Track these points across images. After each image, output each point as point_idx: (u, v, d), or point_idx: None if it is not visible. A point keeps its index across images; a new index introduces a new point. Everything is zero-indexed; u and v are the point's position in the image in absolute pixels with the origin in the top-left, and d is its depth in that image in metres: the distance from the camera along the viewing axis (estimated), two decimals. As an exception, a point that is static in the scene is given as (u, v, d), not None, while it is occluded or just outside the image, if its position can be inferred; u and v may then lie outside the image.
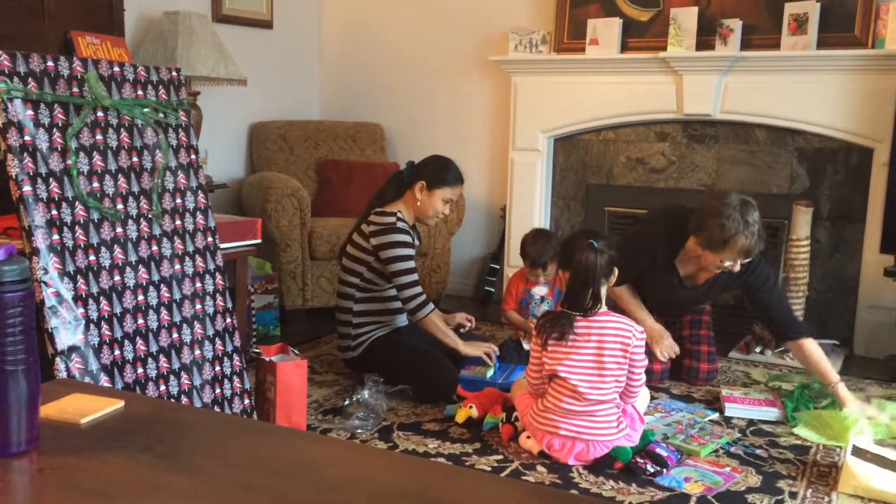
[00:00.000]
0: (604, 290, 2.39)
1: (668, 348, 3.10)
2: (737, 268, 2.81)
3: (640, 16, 3.96)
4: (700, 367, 3.13)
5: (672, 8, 3.81)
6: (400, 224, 2.91)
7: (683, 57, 3.76)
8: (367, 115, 4.77)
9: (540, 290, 3.30)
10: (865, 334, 3.59)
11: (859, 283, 3.60)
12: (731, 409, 2.78)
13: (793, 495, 2.20)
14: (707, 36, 3.74)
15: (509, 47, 4.21)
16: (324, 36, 4.92)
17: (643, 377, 2.42)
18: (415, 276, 2.89)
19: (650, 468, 2.28)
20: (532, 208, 4.27)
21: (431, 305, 2.90)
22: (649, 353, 3.15)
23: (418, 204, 2.97)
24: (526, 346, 3.14)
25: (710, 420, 2.71)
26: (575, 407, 2.34)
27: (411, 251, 2.91)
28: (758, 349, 3.53)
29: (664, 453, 2.34)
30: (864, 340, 3.60)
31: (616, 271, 2.44)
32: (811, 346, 2.88)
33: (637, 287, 3.16)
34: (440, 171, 2.98)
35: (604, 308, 2.40)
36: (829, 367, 2.84)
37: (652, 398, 2.84)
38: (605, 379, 2.33)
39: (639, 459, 2.31)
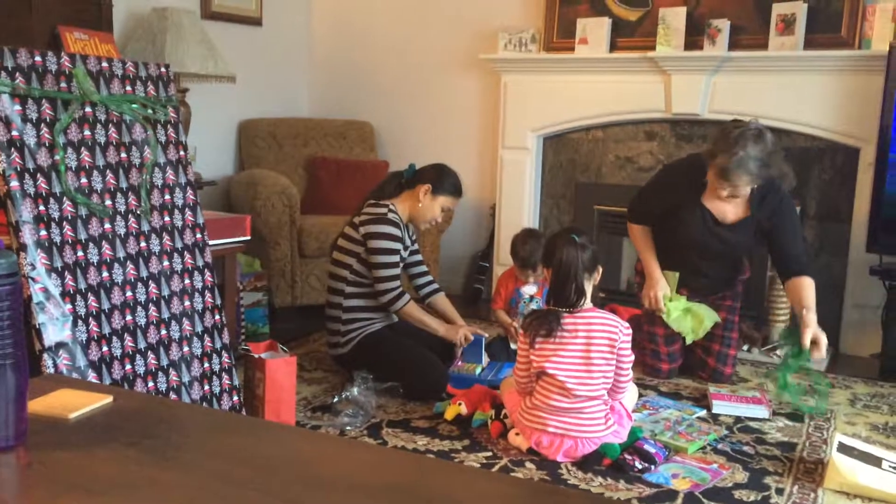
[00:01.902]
0: (588, 286, 2.40)
1: (653, 300, 3.08)
2: (724, 194, 2.83)
3: (628, 15, 3.97)
4: (724, 372, 3.14)
5: (661, 8, 3.83)
6: (392, 216, 2.93)
7: (672, 57, 3.78)
8: (357, 112, 4.77)
9: (529, 290, 3.30)
10: (851, 333, 3.62)
11: (845, 282, 3.63)
12: (719, 406, 2.80)
13: (779, 492, 2.21)
14: (695, 36, 3.75)
15: (499, 46, 4.21)
16: (313, 33, 4.91)
17: (630, 373, 2.43)
18: (394, 271, 2.91)
19: (638, 465, 2.30)
20: (521, 207, 4.28)
21: (407, 296, 2.93)
22: (657, 355, 3.17)
23: (419, 206, 2.99)
24: (514, 346, 3.14)
25: (698, 417, 2.73)
26: (563, 404, 2.35)
27: (397, 245, 2.92)
28: (745, 347, 3.56)
29: (652, 450, 2.35)
30: (850, 339, 3.62)
31: (600, 269, 2.46)
32: (807, 281, 2.85)
33: (673, 235, 3.07)
34: (446, 180, 3.03)
35: (589, 304, 2.41)
36: (809, 297, 2.82)
37: (640, 395, 2.85)
38: (592, 375, 2.34)
39: (627, 456, 2.32)
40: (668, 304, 3.08)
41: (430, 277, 3.21)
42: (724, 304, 3.19)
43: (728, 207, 2.98)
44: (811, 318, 2.76)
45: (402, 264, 3.03)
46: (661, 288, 3.09)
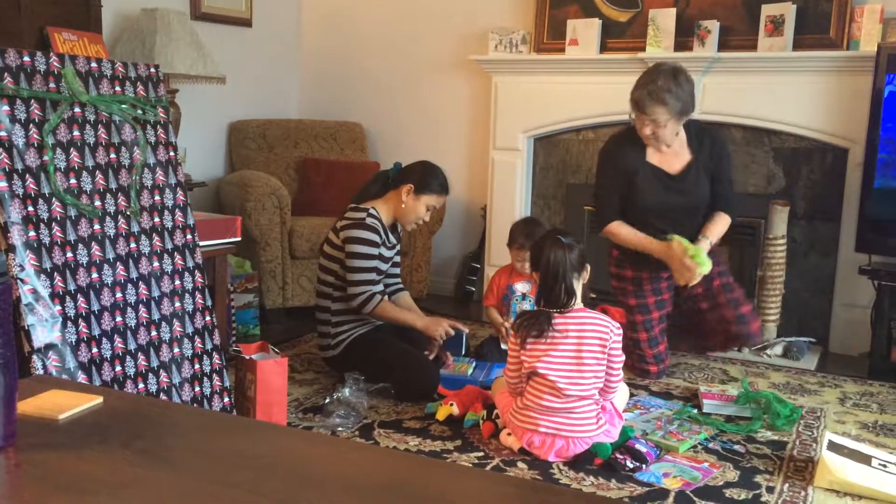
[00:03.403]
0: (577, 286, 2.41)
1: (690, 267, 2.93)
2: (647, 130, 2.94)
3: (618, 16, 3.99)
4: (750, 330, 3.10)
5: (651, 9, 3.84)
6: (369, 220, 2.91)
7: (662, 58, 3.78)
8: (347, 114, 4.77)
9: (522, 287, 3.30)
10: (840, 332, 3.64)
11: (835, 282, 3.65)
12: (710, 406, 2.81)
13: (770, 490, 2.22)
14: (685, 37, 3.77)
15: (489, 47, 4.22)
16: (303, 35, 4.91)
17: (621, 373, 2.43)
18: (366, 276, 2.89)
19: (629, 464, 2.30)
20: (512, 207, 4.28)
21: (378, 297, 2.90)
22: (643, 359, 3.18)
23: (402, 206, 2.98)
24: (504, 346, 3.15)
25: (689, 416, 2.74)
26: (555, 404, 2.35)
27: (374, 250, 2.91)
28: (735, 347, 3.56)
29: (643, 449, 2.36)
30: (839, 338, 3.64)
31: (588, 268, 2.46)
32: (722, 216, 3.11)
33: (634, 207, 3.08)
34: (429, 178, 3.00)
35: (580, 304, 2.41)
36: (715, 229, 3.07)
37: (631, 395, 2.86)
38: (584, 374, 2.34)
39: (618, 455, 2.33)
40: (694, 255, 2.96)
41: (398, 279, 3.20)
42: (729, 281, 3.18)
43: (671, 158, 3.08)
44: (705, 243, 3.02)
45: (386, 265, 3.02)
46: (681, 252, 2.96)
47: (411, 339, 3.01)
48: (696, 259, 2.92)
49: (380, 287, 3.03)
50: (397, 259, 3.16)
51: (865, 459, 2.30)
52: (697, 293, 3.14)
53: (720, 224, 3.11)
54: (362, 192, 3.05)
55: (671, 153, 3.08)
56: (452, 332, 2.99)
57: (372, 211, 2.94)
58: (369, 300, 2.88)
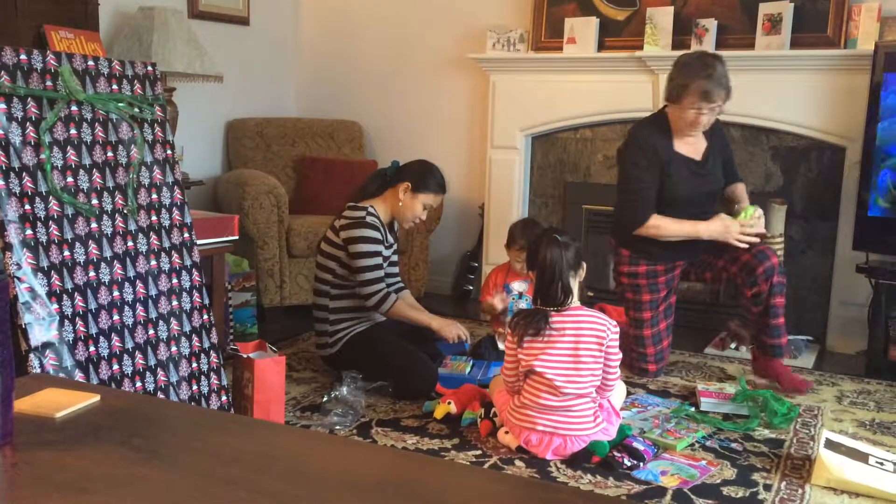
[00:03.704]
0: (574, 284, 2.41)
1: (746, 229, 2.99)
2: (703, 119, 2.91)
3: (616, 15, 3.99)
4: (772, 262, 3.00)
5: (648, 7, 3.85)
6: (369, 219, 2.91)
7: (659, 56, 3.79)
8: (345, 112, 4.76)
9: (519, 286, 3.31)
10: (838, 330, 3.64)
11: (832, 280, 3.65)
12: (707, 404, 2.81)
13: (767, 488, 2.23)
14: (683, 35, 3.77)
15: (487, 45, 4.22)
16: (301, 33, 4.90)
17: (618, 371, 2.44)
18: (377, 273, 2.89)
19: (627, 462, 2.30)
20: (510, 206, 4.28)
21: (394, 297, 2.91)
22: (643, 358, 3.16)
23: (400, 204, 2.98)
24: (501, 347, 3.14)
25: (686, 414, 2.74)
26: (552, 402, 2.35)
27: (378, 247, 2.91)
28: (733, 345, 3.57)
29: (641, 447, 2.36)
30: (836, 336, 3.65)
31: (584, 265, 2.46)
32: (741, 184, 3.25)
33: (667, 200, 3.03)
34: (427, 177, 3.00)
35: (577, 302, 2.42)
36: (744, 195, 3.20)
37: (629, 393, 2.86)
38: (581, 373, 2.34)
39: (616, 453, 2.33)
40: (745, 215, 3.04)
41: (398, 277, 3.20)
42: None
43: (694, 145, 3.07)
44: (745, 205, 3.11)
45: (385, 264, 3.03)
46: (734, 223, 3.01)
47: (409, 338, 3.01)
48: (747, 216, 3.03)
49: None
50: (394, 258, 3.16)
51: (862, 457, 2.30)
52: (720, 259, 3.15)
53: (743, 190, 3.23)
54: (360, 190, 3.05)
55: (693, 140, 3.07)
56: (465, 337, 3.00)
57: (371, 209, 2.94)
58: (385, 299, 2.88)
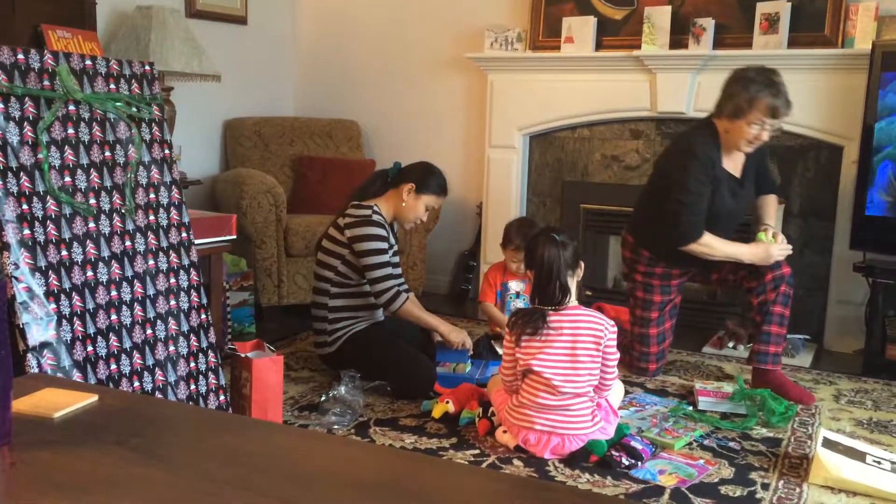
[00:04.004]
0: (572, 283, 2.41)
1: (783, 250, 2.95)
2: (765, 136, 2.82)
3: (614, 14, 3.99)
4: (783, 271, 2.95)
5: (646, 7, 3.85)
6: (376, 217, 2.91)
7: (657, 55, 3.79)
8: (343, 111, 4.76)
9: (516, 286, 3.31)
10: (835, 329, 3.65)
11: (829, 279, 3.65)
12: (705, 403, 2.81)
13: (765, 487, 2.23)
14: (680, 34, 3.77)
15: (485, 45, 4.22)
16: (299, 32, 4.90)
17: (616, 370, 2.44)
18: (388, 270, 2.89)
19: (625, 461, 2.30)
20: (508, 205, 4.28)
21: (405, 296, 2.91)
22: (645, 356, 3.17)
23: (403, 205, 2.98)
24: (500, 350, 3.14)
25: (684, 414, 2.74)
26: (550, 402, 2.35)
27: (385, 245, 2.92)
28: (730, 344, 3.58)
29: (639, 446, 2.36)
30: (833, 335, 3.65)
31: (582, 265, 2.46)
32: (772, 198, 3.17)
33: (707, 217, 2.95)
34: (430, 178, 3.00)
35: (575, 302, 2.42)
36: (771, 212, 3.14)
37: (627, 392, 2.86)
38: (578, 372, 2.34)
39: (614, 452, 2.33)
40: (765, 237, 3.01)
41: (401, 279, 3.19)
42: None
43: (734, 161, 2.98)
44: (770, 223, 3.08)
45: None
46: (767, 247, 2.93)
47: (407, 337, 3.01)
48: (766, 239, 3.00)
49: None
50: (395, 259, 3.16)
51: (860, 456, 2.31)
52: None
53: (773, 206, 3.17)
54: (362, 190, 3.05)
55: (737, 156, 2.99)
56: (468, 346, 2.99)
57: (376, 208, 2.94)
58: (396, 297, 2.88)
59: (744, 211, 3.14)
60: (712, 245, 2.94)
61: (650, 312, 3.17)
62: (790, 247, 2.98)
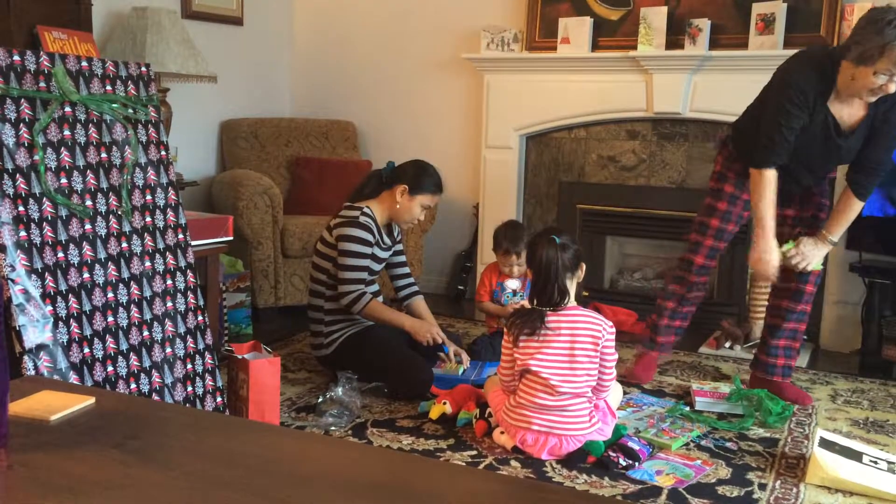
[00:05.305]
0: (571, 285, 2.42)
1: (765, 267, 2.70)
2: (892, 87, 2.47)
3: (610, 15, 3.99)
4: (808, 289, 2.86)
5: (642, 7, 3.85)
6: (363, 219, 2.91)
7: (653, 56, 3.80)
8: (340, 112, 4.76)
9: (512, 284, 3.32)
10: (831, 329, 3.66)
11: (826, 279, 3.66)
12: (702, 403, 2.82)
13: (762, 487, 2.23)
14: (676, 35, 3.78)
15: (481, 45, 4.22)
16: (295, 33, 4.90)
17: (614, 371, 2.44)
18: (357, 274, 2.88)
19: (622, 462, 2.31)
20: (505, 206, 4.28)
21: (368, 297, 2.89)
22: (686, 264, 2.98)
23: (397, 206, 2.97)
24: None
25: (681, 414, 2.74)
26: (548, 402, 2.36)
27: (365, 248, 2.90)
28: (727, 345, 3.58)
29: (636, 447, 2.36)
30: (830, 335, 3.66)
31: (583, 266, 2.47)
32: (856, 204, 2.74)
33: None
34: (423, 178, 2.99)
35: (573, 302, 2.42)
36: (840, 224, 2.75)
37: (624, 393, 2.86)
38: (576, 372, 2.35)
39: (611, 453, 2.33)
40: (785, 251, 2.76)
41: (410, 280, 3.19)
42: (815, 200, 2.91)
43: (851, 110, 2.65)
44: (828, 239, 2.73)
45: (379, 266, 3.02)
46: (775, 256, 2.70)
47: (405, 338, 3.01)
48: (786, 253, 2.75)
49: (374, 287, 3.03)
50: (398, 260, 3.16)
51: (856, 456, 2.31)
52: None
53: (852, 209, 2.73)
54: (357, 191, 3.04)
55: (855, 104, 2.64)
56: (440, 340, 2.96)
57: (366, 210, 2.94)
58: (358, 299, 2.88)
59: (832, 164, 2.82)
60: (765, 184, 2.67)
61: (717, 202, 2.91)
62: (794, 259, 2.75)
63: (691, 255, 2.99)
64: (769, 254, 2.69)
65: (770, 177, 2.67)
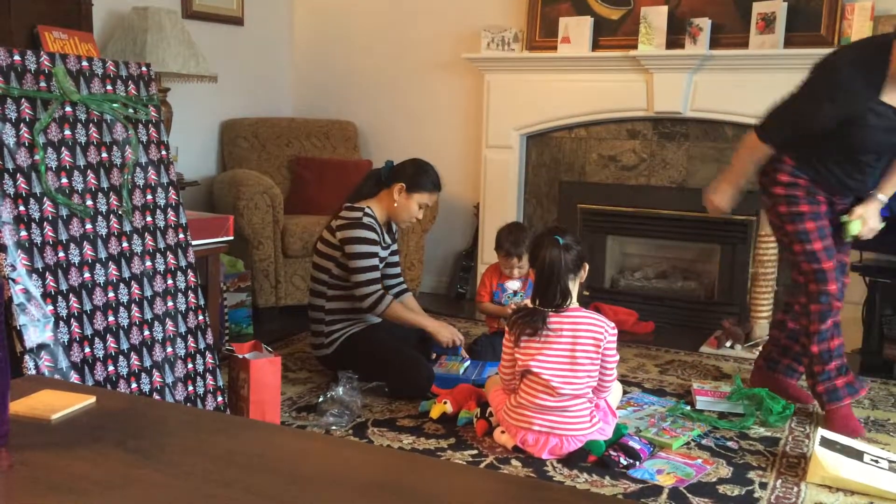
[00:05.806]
0: (573, 286, 2.41)
1: (712, 203, 2.79)
2: None
3: (610, 14, 3.99)
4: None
5: (642, 7, 3.85)
6: (366, 220, 2.91)
7: (654, 55, 3.80)
8: (340, 112, 4.76)
9: (513, 285, 3.31)
10: (832, 328, 3.65)
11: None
12: (703, 402, 2.82)
13: (763, 486, 2.23)
14: (677, 34, 3.78)
15: (482, 45, 4.22)
16: (295, 33, 4.90)
17: (615, 372, 2.44)
18: (374, 274, 2.89)
19: (623, 461, 2.31)
20: (505, 205, 4.28)
21: (389, 298, 2.91)
22: (819, 275, 2.69)
23: (395, 205, 2.97)
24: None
25: (682, 413, 2.74)
26: (548, 402, 2.35)
27: (374, 248, 2.91)
28: (728, 344, 3.58)
29: (637, 446, 2.36)
30: (831, 334, 3.65)
31: (586, 267, 2.46)
32: None
33: (842, 145, 2.59)
34: (421, 176, 2.99)
35: (575, 304, 2.42)
36: (891, 183, 2.67)
37: (624, 392, 2.86)
38: (577, 374, 2.35)
39: (612, 452, 2.33)
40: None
41: (400, 279, 3.19)
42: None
43: None
44: (876, 197, 2.67)
45: (382, 265, 3.02)
46: (723, 199, 2.78)
47: (405, 338, 3.01)
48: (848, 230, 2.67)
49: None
50: (393, 259, 3.16)
51: (857, 455, 2.31)
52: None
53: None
54: (356, 191, 3.04)
55: None
56: (459, 342, 3.00)
57: (368, 210, 2.94)
58: (380, 300, 2.88)
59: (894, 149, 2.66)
60: (749, 149, 2.72)
61: (803, 223, 2.66)
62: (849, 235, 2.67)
63: (822, 286, 2.65)
64: (717, 194, 2.82)
65: (761, 149, 2.69)
